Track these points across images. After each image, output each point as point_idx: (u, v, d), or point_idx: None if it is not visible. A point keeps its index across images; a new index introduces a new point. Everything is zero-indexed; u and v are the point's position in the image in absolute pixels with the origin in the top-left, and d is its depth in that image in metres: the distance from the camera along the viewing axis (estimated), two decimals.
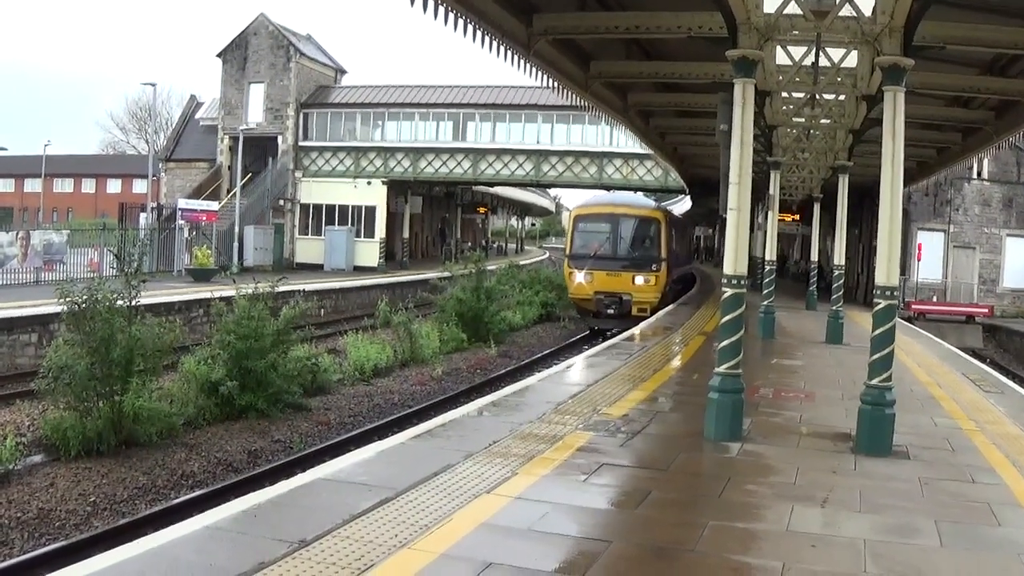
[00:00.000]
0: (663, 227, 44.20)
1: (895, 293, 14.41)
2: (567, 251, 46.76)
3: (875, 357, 14.27)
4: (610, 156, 73.51)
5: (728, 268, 14.81)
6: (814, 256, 41.95)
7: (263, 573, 8.36)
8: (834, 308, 29.62)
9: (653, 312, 40.04)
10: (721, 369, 14.69)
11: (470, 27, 20.07)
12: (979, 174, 61.49)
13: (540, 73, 25.29)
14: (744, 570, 9.00)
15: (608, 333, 39.17)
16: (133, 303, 21.79)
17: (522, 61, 23.41)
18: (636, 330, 32.39)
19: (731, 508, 11.19)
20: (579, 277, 43.48)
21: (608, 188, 67.74)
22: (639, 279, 42.56)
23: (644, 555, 9.52)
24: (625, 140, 63.02)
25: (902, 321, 42.03)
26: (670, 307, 42.67)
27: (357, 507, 10.38)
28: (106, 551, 9.35)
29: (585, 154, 73.73)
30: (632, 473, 12.93)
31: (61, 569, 8.77)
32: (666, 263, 43.70)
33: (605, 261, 43.23)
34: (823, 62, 18.27)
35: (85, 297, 21.02)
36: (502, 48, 21.95)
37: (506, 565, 8.90)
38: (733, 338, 14.64)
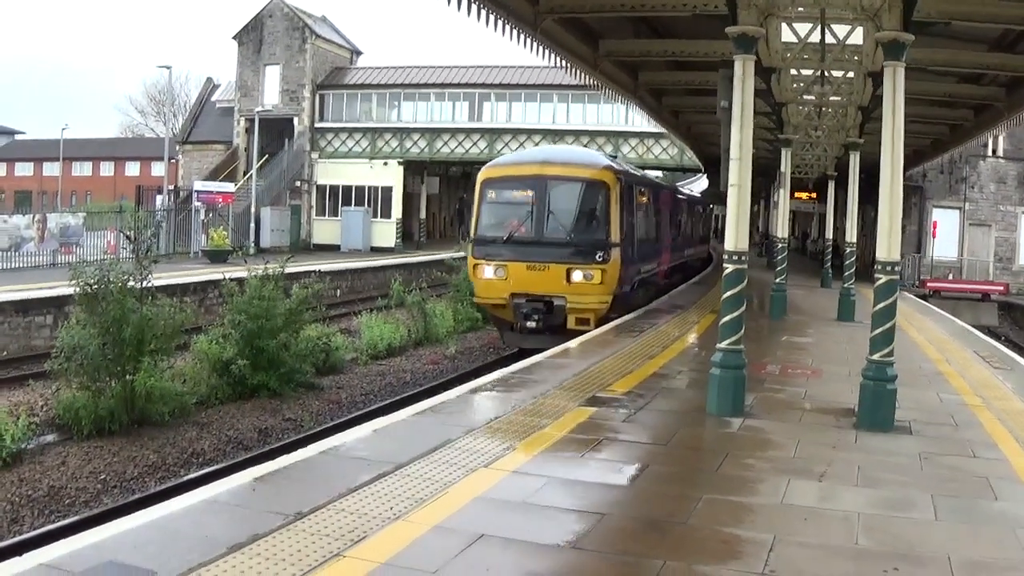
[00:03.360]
0: (615, 195, 27.99)
1: (896, 268, 14.40)
2: (471, 232, 29.49)
3: (876, 332, 14.30)
4: (626, 135, 73.50)
5: (729, 244, 14.85)
6: (829, 234, 41.89)
7: (257, 543, 8.46)
8: (846, 286, 29.58)
9: (601, 322, 26.81)
10: (723, 344, 14.75)
11: (475, 6, 20.15)
12: (994, 151, 61.13)
13: (548, 52, 25.38)
14: (734, 542, 9.05)
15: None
16: (145, 284, 21.92)
17: (529, 40, 23.47)
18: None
19: (727, 482, 11.26)
20: (487, 271, 28.19)
21: None
22: (577, 274, 27.16)
23: (636, 527, 9.59)
24: (641, 119, 62.78)
25: (916, 299, 42.11)
26: (636, 313, 29.10)
27: (355, 480, 10.48)
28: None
29: (601, 133, 73.69)
30: (632, 448, 12.99)
31: (61, 540, 8.87)
32: (621, 250, 27.96)
33: (526, 248, 27.72)
34: (829, 39, 18.26)
35: (97, 278, 21.17)
36: (508, 27, 22.01)
37: (497, 537, 9.00)
38: (735, 313, 14.70)
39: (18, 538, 15.03)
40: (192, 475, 18.54)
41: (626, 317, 28.07)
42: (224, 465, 18.89)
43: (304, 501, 9.66)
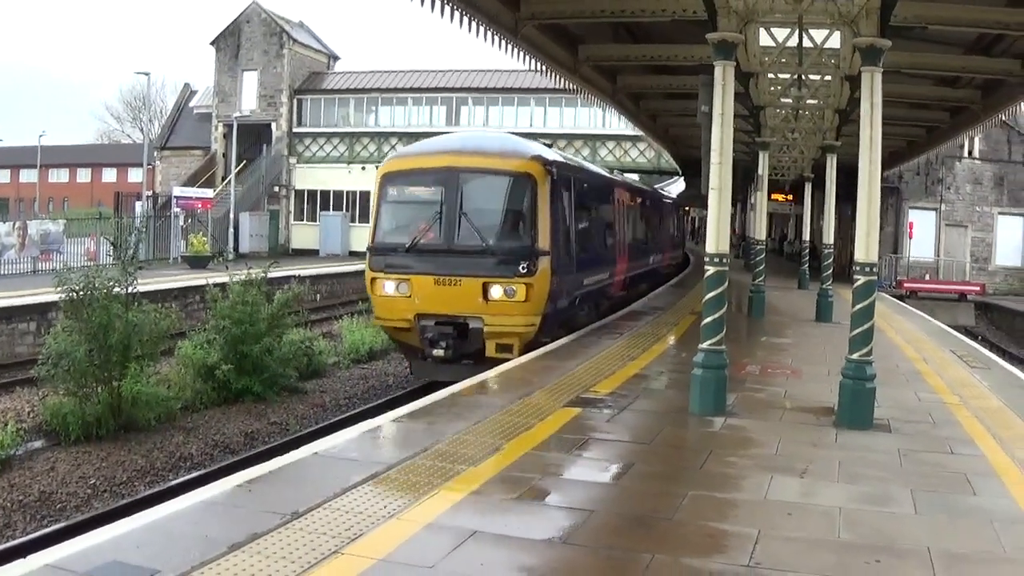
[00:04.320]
0: (544, 191, 23.18)
1: (874, 269, 14.63)
2: (370, 238, 24.48)
3: (855, 332, 14.52)
4: (603, 139, 74.03)
5: (710, 246, 15.06)
6: (806, 236, 42.14)
7: (255, 543, 8.64)
8: (823, 287, 29.81)
9: (528, 348, 22.16)
10: (705, 345, 14.96)
11: (456, 13, 20.44)
12: (970, 152, 61.54)
13: (528, 57, 25.67)
14: (719, 536, 9.26)
15: None
16: (130, 290, 22.08)
17: (510, 46, 23.82)
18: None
19: (711, 479, 11.47)
20: (387, 287, 23.38)
21: None
22: (496, 290, 22.47)
23: (623, 523, 9.80)
24: (617, 122, 63.11)
25: (894, 299, 42.35)
26: (573, 337, 23.92)
27: (348, 481, 10.65)
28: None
29: (578, 136, 74.20)
30: (617, 447, 13.22)
31: (62, 543, 9.04)
32: (553, 258, 23.21)
33: (434, 258, 23.03)
34: (807, 43, 18.48)
35: (83, 285, 21.32)
36: (489, 33, 22.38)
37: (489, 533, 9.22)
38: (716, 314, 14.89)
39: (14, 542, 15.19)
40: (182, 479, 18.71)
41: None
42: (213, 469, 19.05)
43: (299, 501, 9.83)
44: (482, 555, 8.74)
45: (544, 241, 22.81)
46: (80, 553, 8.41)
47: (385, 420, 14.31)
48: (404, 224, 23.93)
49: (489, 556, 8.75)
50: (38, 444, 20.59)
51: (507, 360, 20.60)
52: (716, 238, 15.02)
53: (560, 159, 26.58)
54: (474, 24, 21.63)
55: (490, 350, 22.60)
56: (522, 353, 21.59)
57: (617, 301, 32.53)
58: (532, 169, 23.13)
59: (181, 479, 18.68)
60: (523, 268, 22.34)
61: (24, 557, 8.65)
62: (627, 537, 9.32)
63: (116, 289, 21.69)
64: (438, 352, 22.67)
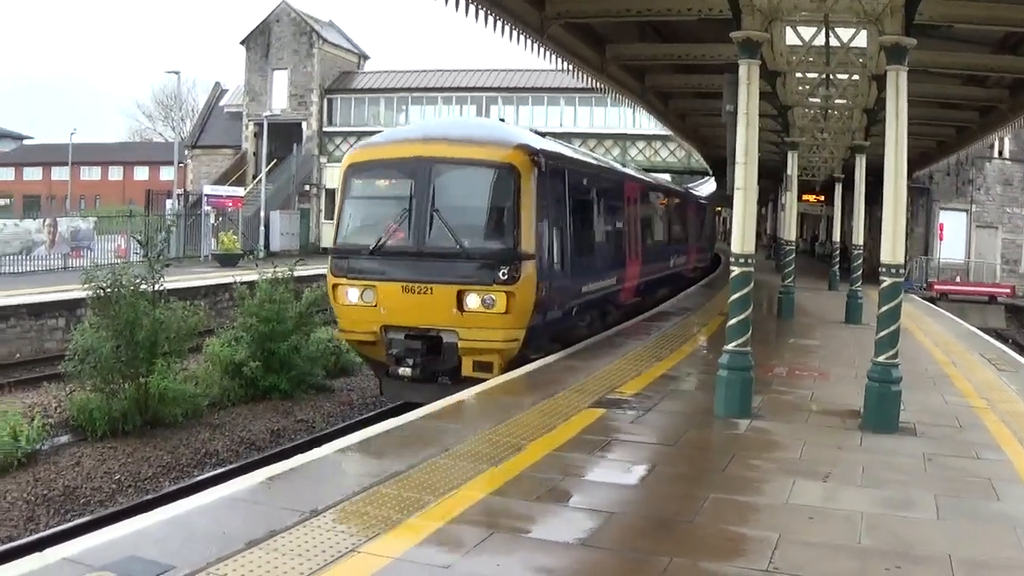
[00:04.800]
0: (530, 185, 20.38)
1: (900, 271, 14.55)
2: (333, 238, 22.26)
3: (881, 334, 14.43)
4: (633, 138, 73.95)
5: (736, 247, 14.95)
6: (836, 236, 41.96)
7: (273, 540, 8.67)
8: (853, 288, 29.66)
9: (510, 366, 19.73)
10: (730, 347, 14.87)
11: (481, 12, 20.43)
12: (1000, 153, 60.99)
13: (555, 57, 25.64)
14: (739, 540, 9.23)
15: None
16: (157, 287, 22.14)
17: (536, 45, 23.78)
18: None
19: (734, 482, 11.40)
20: (351, 295, 20.84)
21: None
22: (472, 299, 19.80)
23: (644, 525, 9.78)
24: (647, 122, 63.05)
25: (924, 301, 42.09)
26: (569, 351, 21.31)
27: (370, 479, 10.68)
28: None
29: (608, 136, 74.17)
30: (640, 448, 13.15)
31: (82, 536, 9.06)
32: (539, 262, 20.43)
33: (402, 262, 20.49)
34: (833, 42, 18.38)
35: (110, 282, 21.39)
36: (515, 33, 22.37)
37: (508, 533, 9.25)
38: (742, 316, 14.80)
39: (36, 536, 15.27)
40: (206, 475, 18.78)
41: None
42: (238, 465, 19.12)
43: (319, 499, 9.87)
44: (500, 555, 8.72)
45: (529, 243, 19.93)
46: (98, 548, 8.44)
47: (411, 418, 14.33)
48: (370, 223, 21.16)
49: (507, 556, 8.73)
50: (64, 439, 20.68)
51: (485, 380, 18.28)
52: (741, 238, 14.93)
53: (552, 149, 22.89)
54: (499, 23, 21.64)
55: (466, 368, 19.91)
56: (505, 371, 19.14)
57: (629, 309, 29.90)
58: (515, 160, 20.19)
59: (206, 475, 18.77)
60: (503, 274, 19.55)
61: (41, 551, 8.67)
62: (647, 539, 9.29)
63: (143, 286, 21.72)
64: (404, 371, 20.00)
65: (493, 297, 19.53)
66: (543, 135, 24.53)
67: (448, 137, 21.30)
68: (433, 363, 20.19)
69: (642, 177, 37.90)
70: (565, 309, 22.35)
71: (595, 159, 32.48)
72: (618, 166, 36.60)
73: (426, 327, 20.04)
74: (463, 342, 19.74)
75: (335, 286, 20.94)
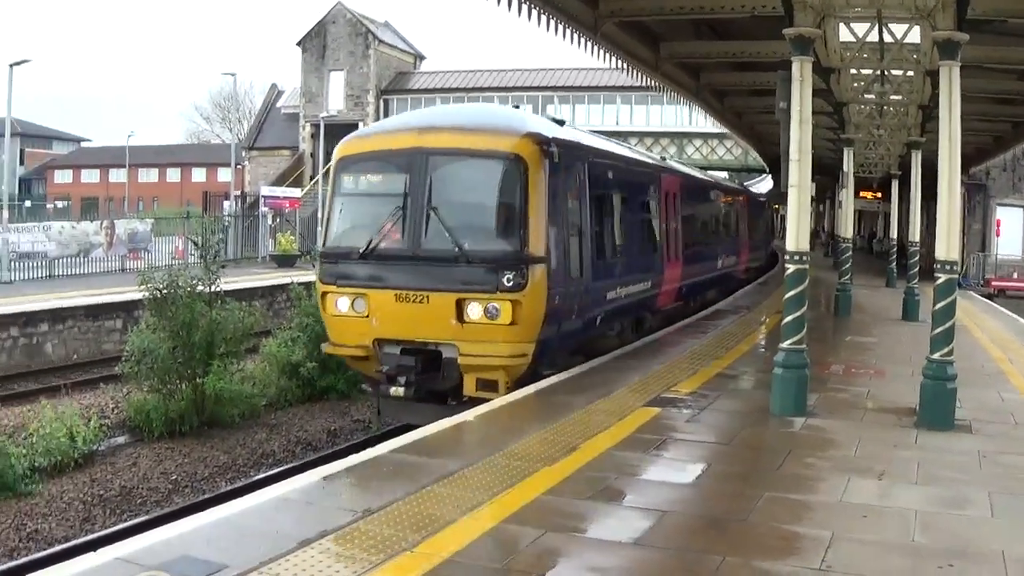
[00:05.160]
0: (540, 178, 18.24)
1: (955, 267, 14.48)
2: (322, 240, 20.54)
3: (936, 331, 14.37)
4: (690, 136, 73.91)
5: (790, 244, 14.90)
6: (893, 233, 41.71)
7: (325, 539, 8.75)
8: (910, 285, 29.49)
9: (522, 383, 17.56)
10: (785, 344, 14.81)
11: (535, 12, 20.44)
12: None
13: (609, 55, 25.59)
14: (793, 539, 9.20)
15: None
16: (213, 288, 22.30)
17: (590, 44, 23.75)
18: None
19: (788, 480, 11.39)
20: (341, 304, 18.72)
21: None
22: (474, 308, 17.73)
23: (697, 524, 9.80)
24: (704, 120, 62.86)
25: (981, 298, 41.73)
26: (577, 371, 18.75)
27: (425, 478, 10.72)
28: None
29: (665, 134, 74.11)
30: (695, 447, 13.15)
31: (136, 536, 9.14)
32: (551, 266, 18.20)
33: (396, 267, 18.40)
34: (887, 38, 18.29)
35: (166, 283, 21.57)
36: (569, 31, 22.35)
37: (561, 534, 9.23)
38: (797, 313, 14.74)
39: (92, 536, 15.40)
40: (262, 475, 18.88)
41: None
42: (294, 465, 19.22)
43: (372, 499, 9.92)
44: (554, 554, 8.77)
45: (538, 244, 17.69)
46: (151, 547, 8.53)
47: (469, 416, 14.42)
48: (361, 223, 18.92)
49: (561, 555, 8.77)
50: (121, 440, 20.93)
51: (493, 398, 16.52)
52: (796, 236, 14.88)
53: (568, 138, 20.25)
54: (553, 22, 21.64)
55: (468, 387, 17.70)
56: (513, 390, 17.08)
57: (672, 314, 27.96)
58: (523, 150, 17.92)
59: (262, 475, 18.87)
60: (508, 280, 17.29)
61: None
62: (700, 538, 9.30)
63: (199, 287, 21.89)
64: (396, 390, 17.75)
65: (497, 306, 17.35)
66: (561, 122, 21.38)
67: (448, 125, 19.40)
68: (431, 381, 18.03)
69: (683, 170, 34.74)
70: (586, 318, 19.80)
71: (625, 150, 28.65)
72: (653, 158, 32.41)
73: (423, 340, 17.95)
74: (464, 357, 17.49)
75: (324, 294, 18.78)
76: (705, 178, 40.71)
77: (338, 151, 19.59)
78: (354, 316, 18.28)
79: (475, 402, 16.54)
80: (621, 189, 23.12)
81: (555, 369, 18.50)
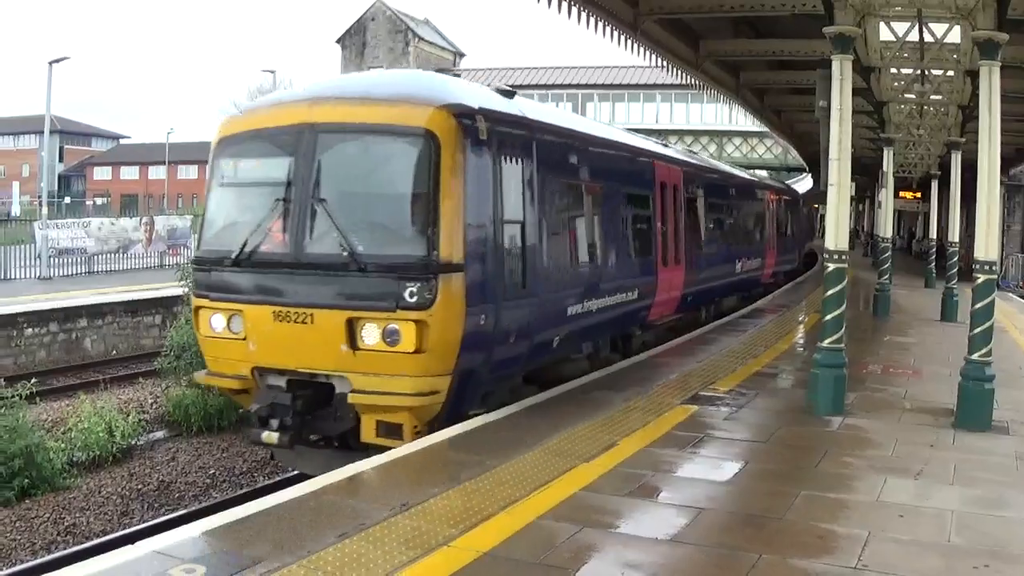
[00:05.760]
0: (455, 162, 13.93)
1: (994, 268, 14.46)
2: (196, 242, 17.95)
3: (975, 332, 14.34)
4: (729, 135, 73.73)
5: (830, 243, 14.89)
6: (933, 234, 41.54)
7: (363, 532, 8.83)
8: (949, 285, 29.38)
9: (435, 428, 13.75)
10: (824, 344, 14.82)
11: (575, 9, 20.46)
12: None
13: (649, 53, 25.58)
14: (829, 537, 9.22)
15: None
16: None
17: (630, 41, 23.76)
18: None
19: (825, 479, 11.38)
20: (216, 322, 14.71)
21: None
22: (371, 331, 13.56)
23: (734, 522, 9.81)
24: (744, 118, 62.82)
25: (1020, 299, 41.47)
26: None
27: (464, 473, 10.82)
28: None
29: (704, 132, 73.98)
30: (732, 445, 13.14)
31: (172, 529, 9.21)
32: (476, 276, 14.11)
33: (275, 275, 14.28)
34: (927, 37, 18.26)
35: None
36: (608, 29, 22.37)
37: (598, 530, 9.27)
38: (836, 312, 14.74)
39: (128, 530, 15.52)
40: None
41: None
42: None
43: (412, 493, 9.99)
44: (590, 550, 8.80)
45: (453, 247, 13.63)
46: (188, 541, 8.68)
47: (502, 414, 14.41)
48: (241, 221, 14.71)
49: (597, 551, 8.82)
50: (160, 434, 21.11)
51: (393, 448, 12.83)
52: (835, 235, 14.87)
53: (512, 112, 16.06)
54: (593, 20, 21.69)
55: (367, 432, 13.75)
56: (424, 434, 13.45)
57: (675, 325, 24.88)
58: (437, 124, 13.80)
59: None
60: (411, 294, 13.29)
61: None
62: (736, 536, 9.31)
63: None
64: (268, 435, 13.93)
65: (397, 328, 13.32)
66: (510, 93, 16.93)
67: (345, 95, 15.06)
68: (319, 424, 14.47)
69: (688, 160, 28.86)
70: (536, 340, 15.82)
71: (605, 130, 23.98)
72: (648, 143, 26.08)
73: (310, 371, 14.10)
74: (357, 395, 13.53)
75: (197, 310, 14.95)
76: (720, 168, 35.48)
77: (218, 129, 15.56)
78: (231, 338, 14.41)
79: (375, 450, 13.09)
80: (595, 178, 19.05)
81: (489, 407, 14.78)
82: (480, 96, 15.70)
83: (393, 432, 13.50)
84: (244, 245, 14.08)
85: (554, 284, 16.45)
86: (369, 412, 13.61)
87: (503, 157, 14.90)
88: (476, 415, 14.31)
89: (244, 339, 14.21)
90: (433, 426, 13.63)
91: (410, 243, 13.63)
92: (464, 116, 14.15)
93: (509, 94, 16.77)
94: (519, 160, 15.47)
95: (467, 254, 13.72)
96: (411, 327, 13.21)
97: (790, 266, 44.68)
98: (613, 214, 20.08)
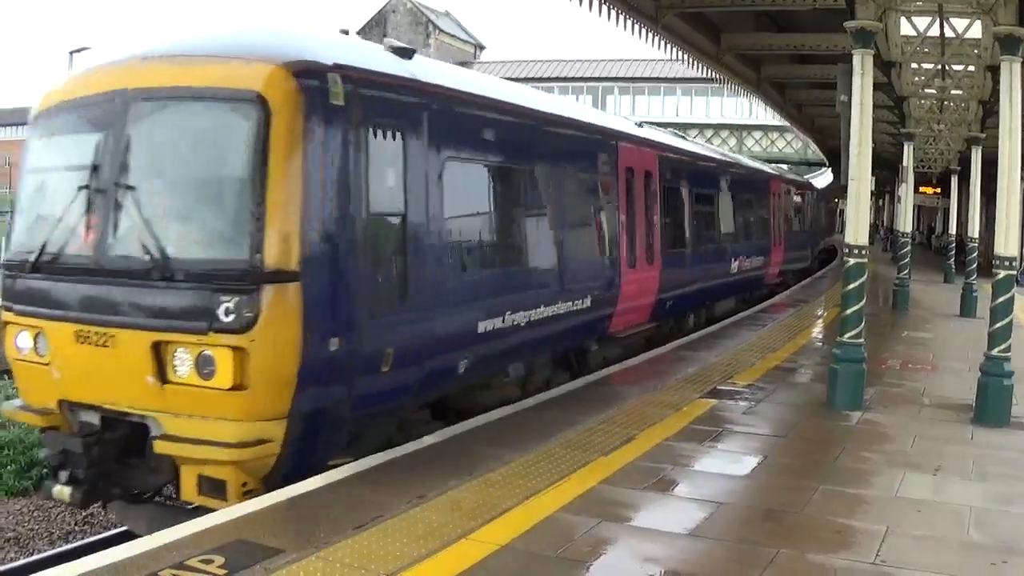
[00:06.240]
0: (296, 136, 10.40)
1: (1014, 263, 14.46)
2: (5, 240, 13.14)
3: (995, 327, 14.35)
4: (749, 128, 73.69)
5: (849, 238, 14.87)
6: (952, 229, 41.45)
7: (380, 524, 8.87)
8: (968, 281, 29.32)
9: (272, 484, 10.32)
10: (843, 338, 14.82)
11: (596, 2, 20.43)
12: None
13: (670, 46, 25.53)
14: (847, 532, 9.23)
15: None
16: None
17: (651, 35, 23.69)
18: None
19: (843, 474, 11.36)
20: (22, 341, 11.51)
21: None
22: (181, 360, 10.25)
23: (752, 516, 9.82)
24: (764, 112, 62.77)
25: None
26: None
27: (485, 465, 10.86)
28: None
29: (724, 126, 73.90)
30: (751, 439, 13.12)
31: (192, 520, 9.20)
32: (320, 286, 10.51)
33: (77, 283, 10.91)
34: (948, 32, 18.24)
35: None
36: (630, 22, 22.31)
37: (615, 524, 9.30)
38: (855, 307, 14.74)
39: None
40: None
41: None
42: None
43: (429, 485, 10.01)
44: (607, 544, 8.82)
45: (286, 248, 10.31)
46: (207, 532, 8.68)
47: (518, 408, 14.30)
48: (46, 214, 11.66)
49: (615, 545, 8.85)
50: None
51: (219, 509, 9.86)
52: (855, 229, 14.85)
53: (386, 69, 12.33)
54: (614, 13, 21.67)
55: (187, 488, 10.60)
56: (258, 493, 10.30)
57: (649, 336, 21.59)
58: (268, 86, 10.49)
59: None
60: (227, 311, 10.13)
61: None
62: (754, 530, 9.33)
63: None
64: (60, 490, 11.03)
65: (212, 357, 10.17)
66: (407, 51, 13.13)
67: (166, 52, 11.48)
68: (133, 476, 11.24)
69: (665, 142, 23.78)
70: (430, 367, 12.49)
71: (541, 102, 18.16)
72: (614, 120, 22.76)
73: (116, 408, 10.94)
74: (163, 442, 10.41)
75: (5, 325, 11.91)
76: (714, 156, 30.99)
77: (37, 103, 12.30)
78: (36, 362, 11.43)
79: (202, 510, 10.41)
80: (525, 161, 15.77)
81: (360, 452, 11.71)
82: (350, 52, 12.02)
83: (218, 490, 10.35)
84: (44, 246, 11.13)
85: (454, 294, 13.03)
86: (187, 464, 10.46)
87: (375, 130, 11.50)
88: (348, 461, 11.30)
89: (50, 364, 11.20)
90: (271, 483, 10.40)
91: (228, 244, 10.39)
92: (310, 75, 10.78)
93: (405, 53, 13.03)
94: (402, 135, 12.00)
95: (307, 258, 10.41)
96: (227, 355, 10.04)
97: (802, 264, 41.67)
98: (553, 205, 16.52)
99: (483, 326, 13.61)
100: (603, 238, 18.37)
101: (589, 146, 18.54)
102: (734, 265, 27.98)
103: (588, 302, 17.10)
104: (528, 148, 15.79)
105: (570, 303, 16.43)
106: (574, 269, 16.75)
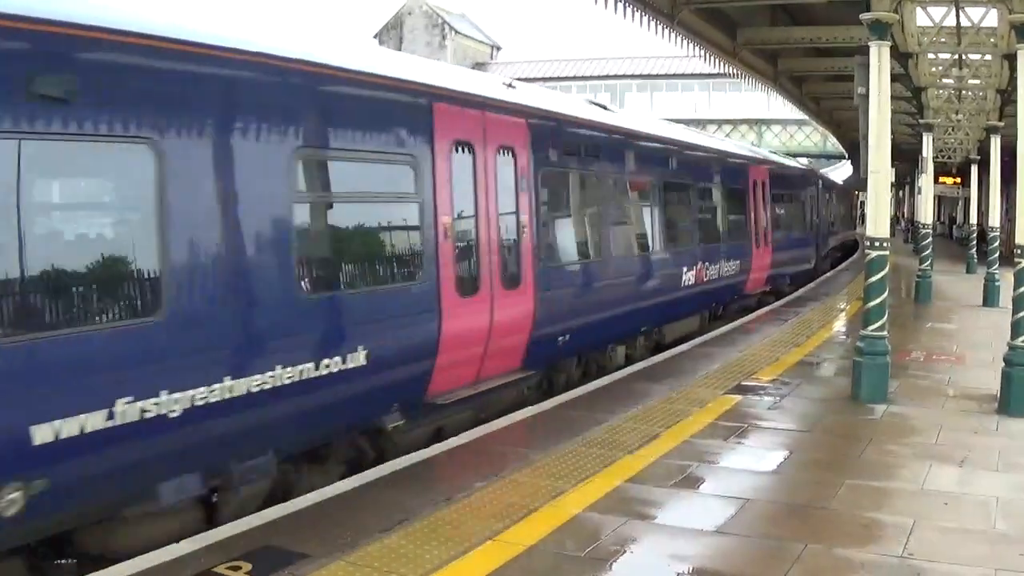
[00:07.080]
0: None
1: None
2: None
3: (1018, 317, 14.33)
4: (768, 123, 73.53)
5: (870, 230, 14.86)
6: (973, 219, 41.32)
7: (406, 528, 8.85)
8: (990, 271, 29.22)
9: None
10: (867, 331, 14.79)
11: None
12: None
13: (687, 42, 25.50)
14: (874, 526, 9.19)
15: None
16: None
17: (667, 31, 23.64)
18: None
19: (869, 467, 11.34)
20: None
21: None
22: None
23: (779, 512, 9.81)
24: (782, 106, 62.70)
25: None
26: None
27: (510, 465, 10.87)
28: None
29: (743, 121, 73.74)
30: (776, 434, 13.11)
31: (219, 527, 9.22)
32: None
33: None
34: (964, 22, 18.20)
35: None
36: (646, 19, 22.28)
37: (642, 522, 9.28)
38: (878, 300, 14.70)
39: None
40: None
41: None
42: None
43: (453, 487, 10.03)
44: (635, 542, 8.80)
45: None
46: (234, 538, 8.65)
47: (544, 407, 14.33)
48: None
49: (643, 543, 8.83)
50: None
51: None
52: (876, 222, 14.82)
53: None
54: (630, 10, 21.65)
55: None
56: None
57: (551, 378, 16.31)
58: None
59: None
60: None
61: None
62: (781, 526, 9.32)
63: None
64: None
65: None
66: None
67: None
68: None
69: (531, 104, 15.57)
70: None
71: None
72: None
73: None
74: None
75: None
76: (642, 130, 21.06)
77: None
78: None
79: None
80: (296, 133, 9.96)
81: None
82: None
83: None
84: None
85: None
86: None
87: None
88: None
89: None
90: None
91: None
92: None
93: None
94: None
95: None
96: None
97: (805, 265, 35.99)
98: (357, 190, 11.42)
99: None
100: (416, 249, 12.11)
101: (452, 114, 12.70)
102: (688, 275, 21.65)
103: (419, 339, 11.89)
104: (328, 112, 10.58)
105: (394, 338, 11.31)
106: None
